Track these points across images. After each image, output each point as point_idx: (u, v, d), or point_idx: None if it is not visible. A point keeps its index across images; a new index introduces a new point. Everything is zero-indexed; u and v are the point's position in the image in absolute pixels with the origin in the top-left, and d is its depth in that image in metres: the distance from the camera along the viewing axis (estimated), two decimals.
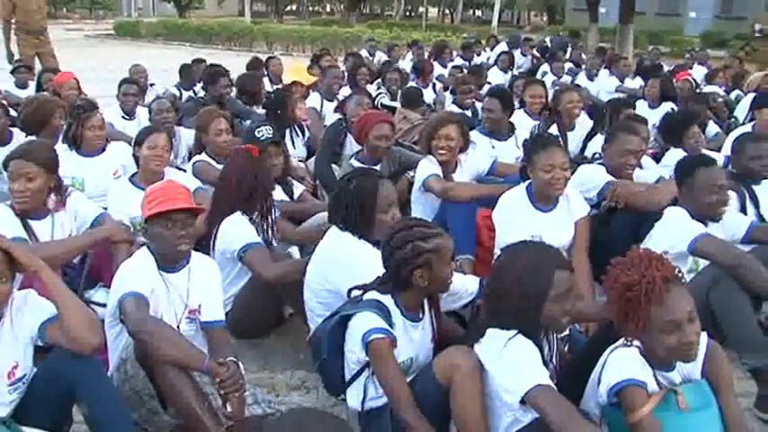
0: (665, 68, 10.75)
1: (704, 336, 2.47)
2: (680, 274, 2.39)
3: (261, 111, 6.38)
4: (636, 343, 2.44)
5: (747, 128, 5.92)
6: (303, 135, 6.06)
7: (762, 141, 4.39)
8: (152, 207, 2.88)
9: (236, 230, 3.52)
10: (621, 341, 2.47)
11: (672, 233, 3.40)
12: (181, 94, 8.20)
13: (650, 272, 2.30)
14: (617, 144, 4.24)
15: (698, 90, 8.60)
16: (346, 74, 8.37)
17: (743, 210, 4.13)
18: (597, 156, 5.02)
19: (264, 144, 4.23)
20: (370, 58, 12.28)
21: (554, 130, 5.72)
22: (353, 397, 2.71)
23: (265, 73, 8.87)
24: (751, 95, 7.28)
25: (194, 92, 8.25)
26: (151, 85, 8.33)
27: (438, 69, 10.47)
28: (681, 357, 2.37)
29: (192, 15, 32.91)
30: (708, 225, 3.47)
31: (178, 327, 2.93)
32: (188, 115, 6.30)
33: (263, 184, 3.63)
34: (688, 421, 2.35)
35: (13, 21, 10.06)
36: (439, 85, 9.47)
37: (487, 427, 2.45)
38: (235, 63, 10.09)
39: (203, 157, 4.76)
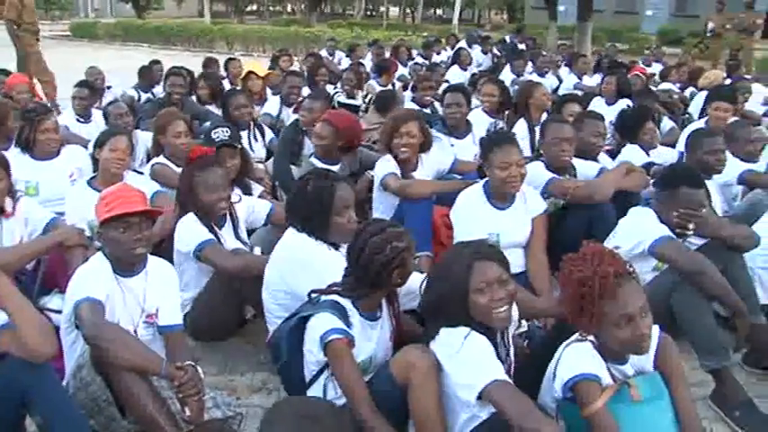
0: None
1: (656, 329, 2.52)
2: (631, 270, 2.44)
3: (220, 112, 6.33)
4: (590, 337, 2.49)
5: (701, 123, 6.05)
6: (263, 136, 6.04)
7: (716, 136, 4.50)
8: (106, 211, 2.84)
9: (189, 231, 3.49)
10: (576, 336, 2.52)
11: (635, 233, 3.43)
12: (139, 96, 8.11)
13: (602, 267, 2.35)
14: (549, 134, 4.28)
15: (651, 86, 8.75)
16: (306, 74, 8.34)
17: None
18: None
19: (219, 145, 4.20)
20: (330, 58, 12.26)
21: (521, 125, 5.82)
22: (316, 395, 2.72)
23: (225, 75, 8.80)
24: (705, 92, 7.43)
25: (153, 94, 8.17)
26: (108, 87, 8.22)
27: (399, 69, 10.50)
28: (634, 350, 2.42)
29: (150, 16, 32.47)
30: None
31: (135, 331, 2.90)
32: (146, 117, 6.23)
33: (199, 189, 3.56)
34: (641, 412, 2.40)
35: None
36: (398, 85, 9.50)
37: (445, 425, 2.48)
38: (195, 64, 9.97)
39: (161, 159, 4.71)
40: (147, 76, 8.48)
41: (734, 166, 4.71)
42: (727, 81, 8.92)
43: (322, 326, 2.57)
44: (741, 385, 3.23)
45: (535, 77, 9.77)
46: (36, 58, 10.30)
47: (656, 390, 2.47)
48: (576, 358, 2.44)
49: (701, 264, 3.25)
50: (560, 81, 10.16)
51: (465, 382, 2.38)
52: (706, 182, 4.28)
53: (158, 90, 8.12)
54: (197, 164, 3.63)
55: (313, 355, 2.64)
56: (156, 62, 9.31)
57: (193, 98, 7.15)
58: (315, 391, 2.70)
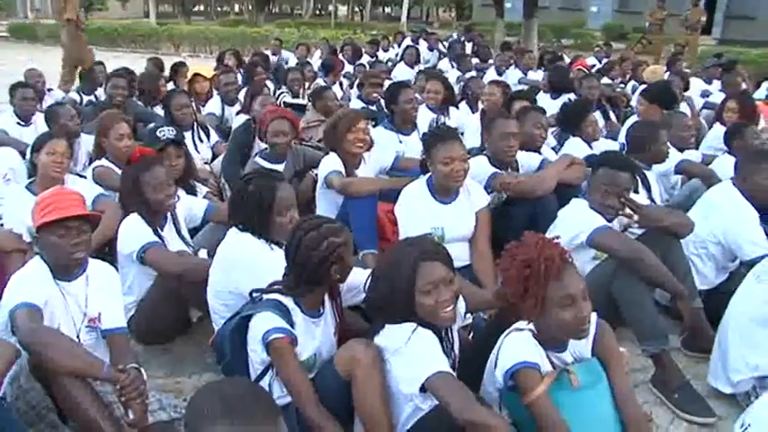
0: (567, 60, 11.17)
1: (594, 316, 2.58)
2: (569, 257, 2.49)
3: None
4: (528, 327, 2.53)
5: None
6: (208, 137, 6.00)
7: (662, 129, 4.64)
8: (43, 215, 2.79)
9: (132, 233, 3.46)
10: (515, 326, 2.56)
11: (573, 224, 3.50)
12: (81, 99, 7.95)
13: (547, 250, 2.41)
14: (495, 130, 4.35)
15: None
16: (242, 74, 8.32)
17: (635, 193, 4.32)
18: None
19: (164, 143, 4.16)
20: (275, 58, 12.20)
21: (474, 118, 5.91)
22: None
23: (168, 76, 8.68)
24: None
25: (95, 96, 8.02)
26: (49, 89, 8.04)
27: (346, 67, 10.53)
28: (575, 334, 2.48)
29: (94, 17, 31.77)
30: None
31: (78, 336, 2.86)
32: (88, 120, 6.11)
33: (145, 189, 3.53)
34: (580, 398, 2.45)
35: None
36: (346, 83, 9.51)
37: (389, 418, 2.49)
38: (140, 66, 9.84)
39: (104, 162, 4.64)
40: (89, 78, 8.32)
41: (671, 156, 4.85)
42: (667, 75, 9.15)
43: (263, 325, 2.56)
44: (679, 368, 3.32)
45: (494, 75, 9.91)
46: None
47: (595, 376, 2.52)
48: (516, 347, 2.48)
49: (639, 251, 3.34)
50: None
51: (409, 375, 2.40)
52: (646, 172, 4.45)
53: (101, 92, 7.97)
54: (140, 164, 3.59)
55: (257, 354, 2.64)
56: (99, 63, 9.15)
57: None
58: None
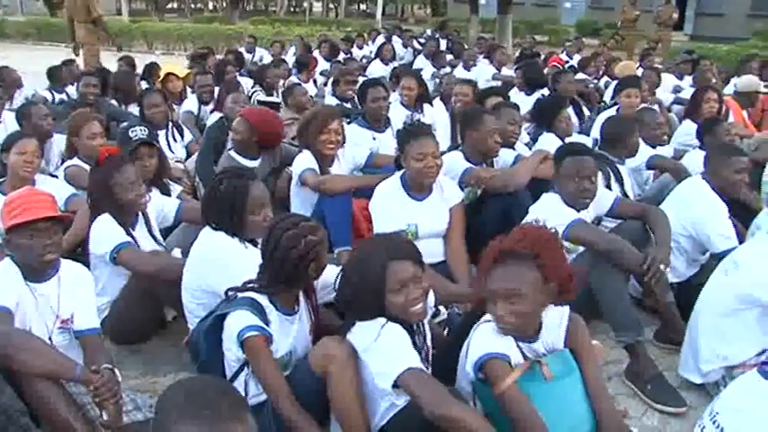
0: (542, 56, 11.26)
1: (566, 308, 2.61)
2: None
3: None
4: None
5: (612, 111, 6.26)
6: (182, 136, 5.97)
7: (635, 123, 4.73)
8: (13, 217, 2.76)
9: (104, 233, 3.42)
10: (484, 317, 2.58)
11: (546, 219, 3.52)
12: (53, 98, 7.86)
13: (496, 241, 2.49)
14: (483, 126, 4.36)
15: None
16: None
17: (608, 188, 4.37)
18: None
19: (136, 144, 4.12)
20: (249, 56, 12.14)
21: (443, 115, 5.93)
22: None
23: (141, 75, 8.61)
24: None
25: (67, 94, 7.93)
26: (18, 87, 7.93)
27: (321, 64, 10.52)
28: (500, 330, 2.51)
29: (64, 15, 31.32)
30: (580, 209, 3.64)
31: (50, 338, 2.83)
32: (60, 119, 6.04)
33: (117, 189, 3.50)
34: (553, 389, 2.47)
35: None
36: (320, 80, 9.50)
37: (364, 414, 2.50)
38: (113, 63, 9.75)
39: (76, 161, 4.60)
40: (58, 76, 8.22)
41: (643, 152, 4.91)
42: (639, 70, 9.24)
43: (238, 324, 2.56)
44: (652, 360, 3.38)
45: (462, 72, 9.93)
46: None
47: (567, 367, 2.54)
48: (485, 338, 2.49)
49: (616, 241, 3.39)
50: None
51: (381, 370, 2.41)
52: (619, 167, 4.50)
53: (72, 91, 7.89)
54: (111, 164, 3.55)
55: (232, 353, 2.64)
56: (70, 61, 9.04)
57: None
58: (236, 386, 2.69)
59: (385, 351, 2.42)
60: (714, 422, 2.23)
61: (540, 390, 2.44)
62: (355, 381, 2.48)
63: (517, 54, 11.87)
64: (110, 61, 10.66)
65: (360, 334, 2.51)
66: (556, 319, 2.61)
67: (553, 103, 5.61)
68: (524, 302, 2.43)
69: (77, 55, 10.38)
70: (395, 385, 2.37)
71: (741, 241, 3.69)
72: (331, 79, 8.20)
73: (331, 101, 7.19)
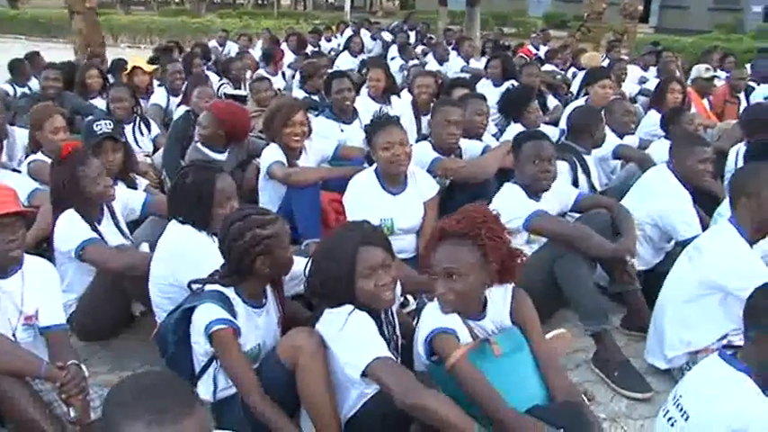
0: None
1: (510, 285, 2.65)
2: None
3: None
4: None
5: (581, 102, 6.31)
6: (149, 130, 5.91)
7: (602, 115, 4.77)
8: None
9: (69, 229, 3.38)
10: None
11: (506, 209, 3.52)
12: (15, 91, 7.71)
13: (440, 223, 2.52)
14: (438, 116, 4.40)
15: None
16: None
17: (575, 178, 4.43)
18: None
19: (101, 138, 4.07)
20: (221, 49, 12.03)
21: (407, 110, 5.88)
22: (204, 389, 2.69)
23: (108, 70, 8.49)
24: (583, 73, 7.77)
25: (29, 88, 7.79)
26: None
27: (289, 57, 10.46)
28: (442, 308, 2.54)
29: (26, 6, 30.67)
30: (540, 198, 3.68)
31: (14, 335, 2.78)
32: (21, 113, 5.95)
33: (84, 182, 3.45)
34: (503, 366, 2.48)
35: None
36: (289, 73, 9.45)
37: (334, 405, 2.50)
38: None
39: (39, 156, 4.52)
40: (19, 70, 8.05)
41: (610, 141, 4.97)
42: (605, 62, 9.35)
43: (206, 317, 2.55)
44: (619, 347, 3.43)
45: (434, 65, 9.95)
46: None
47: (516, 343, 2.57)
48: (432, 316, 2.52)
49: (573, 229, 3.45)
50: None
51: (350, 360, 2.41)
52: (585, 157, 4.55)
53: (35, 84, 7.76)
54: (75, 157, 3.50)
55: (200, 346, 2.62)
56: (35, 54, 8.88)
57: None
58: (205, 382, 2.68)
59: (352, 340, 2.43)
60: (677, 405, 2.27)
61: (491, 367, 2.45)
62: (324, 372, 2.47)
63: (488, 46, 11.87)
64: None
65: (327, 322, 2.51)
66: (500, 297, 2.64)
67: (522, 95, 5.64)
68: (463, 281, 2.46)
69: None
70: (364, 374, 2.37)
71: (705, 229, 3.75)
72: (298, 72, 8.14)
73: (299, 94, 7.15)
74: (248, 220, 2.62)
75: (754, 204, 3.03)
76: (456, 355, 2.37)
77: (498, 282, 2.60)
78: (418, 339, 2.53)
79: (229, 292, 2.64)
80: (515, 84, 7.18)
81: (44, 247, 3.62)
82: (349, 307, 2.48)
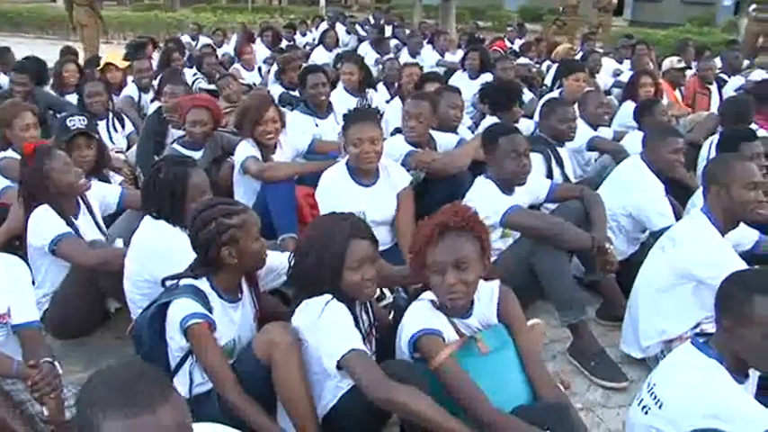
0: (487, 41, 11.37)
1: (496, 282, 2.65)
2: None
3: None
4: (428, 297, 2.57)
5: (555, 94, 6.35)
6: (123, 127, 5.85)
7: (568, 105, 4.76)
8: None
9: (43, 224, 3.34)
10: (421, 296, 2.60)
11: (481, 206, 3.52)
12: None
13: (435, 219, 2.50)
14: (402, 111, 4.41)
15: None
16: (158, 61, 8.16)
17: (549, 170, 4.45)
18: None
19: (74, 134, 4.03)
20: (193, 44, 11.93)
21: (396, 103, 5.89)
22: (180, 385, 2.67)
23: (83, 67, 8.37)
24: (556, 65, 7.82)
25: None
26: None
27: (264, 52, 10.41)
28: (443, 301, 2.52)
29: None
30: (513, 192, 3.69)
31: None
32: None
33: (53, 175, 3.41)
34: (489, 363, 2.49)
35: None
36: (264, 68, 9.39)
37: (310, 399, 2.50)
38: (49, 53, 9.47)
39: (10, 153, 4.45)
40: None
41: (584, 133, 4.99)
42: (580, 54, 9.40)
43: (181, 311, 2.53)
44: (595, 337, 3.45)
45: (407, 58, 9.93)
46: None
47: (502, 340, 2.57)
48: (417, 316, 2.51)
49: (549, 223, 3.46)
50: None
51: (326, 350, 2.41)
52: (558, 149, 4.56)
53: (5, 80, 7.63)
54: (40, 153, 3.46)
55: (175, 342, 2.61)
56: (5, 50, 8.73)
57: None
58: (180, 378, 2.66)
59: (329, 330, 2.42)
60: (651, 394, 2.29)
61: (476, 364, 2.46)
62: (300, 366, 2.46)
63: (464, 39, 11.89)
64: (45, 50, 10.38)
65: (304, 311, 2.51)
66: (487, 293, 2.64)
67: (512, 90, 5.55)
68: (472, 271, 2.46)
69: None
70: (338, 366, 2.37)
71: (679, 219, 3.79)
72: (274, 67, 8.10)
73: (276, 89, 7.11)
74: (215, 209, 2.61)
75: (724, 194, 3.07)
76: (441, 357, 2.37)
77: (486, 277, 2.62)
78: (401, 339, 2.52)
79: (204, 287, 2.63)
80: (491, 77, 7.20)
81: (16, 245, 3.57)
82: (327, 296, 2.48)
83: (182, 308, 2.54)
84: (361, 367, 2.33)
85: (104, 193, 3.88)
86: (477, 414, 2.32)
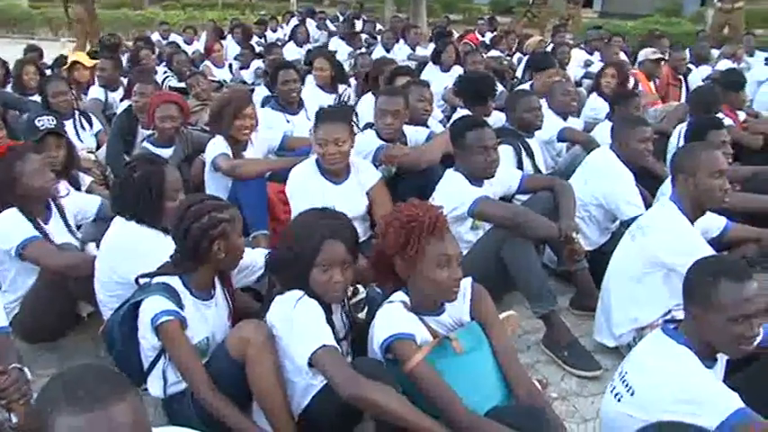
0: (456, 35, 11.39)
1: (469, 280, 2.65)
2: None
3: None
4: (400, 298, 2.57)
5: (526, 86, 6.37)
6: (91, 126, 5.77)
7: (532, 95, 4.79)
8: None
9: (9, 227, 3.28)
10: (391, 297, 2.59)
11: (450, 198, 3.56)
12: None
13: (432, 211, 2.49)
14: (375, 107, 4.39)
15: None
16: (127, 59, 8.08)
17: (520, 162, 4.46)
18: None
19: (42, 134, 3.98)
20: (163, 42, 11.81)
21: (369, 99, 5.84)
22: (154, 385, 2.67)
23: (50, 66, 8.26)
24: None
25: None
26: None
27: (235, 48, 10.35)
28: (446, 294, 2.51)
29: None
30: (483, 184, 3.70)
31: None
32: None
33: (24, 179, 3.35)
34: (465, 363, 2.49)
35: None
36: (236, 65, 9.33)
37: (285, 396, 2.49)
38: (14, 52, 9.32)
39: None
40: None
41: (554, 124, 5.02)
42: (551, 46, 9.45)
43: (152, 309, 2.51)
44: (568, 327, 3.48)
45: (381, 52, 9.92)
46: None
47: (477, 339, 2.57)
48: (389, 319, 2.49)
49: (517, 213, 3.48)
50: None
51: (298, 347, 2.40)
52: (528, 141, 4.58)
53: None
54: (12, 155, 3.40)
55: (147, 341, 2.59)
56: None
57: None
58: (154, 377, 2.65)
59: (301, 326, 2.42)
60: (623, 381, 2.32)
61: (451, 364, 2.46)
62: (274, 363, 2.46)
63: (431, 34, 11.91)
64: (9, 49, 10.21)
65: (277, 307, 2.51)
66: (459, 291, 2.61)
67: (487, 86, 5.51)
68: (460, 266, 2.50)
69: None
70: (310, 364, 2.36)
71: (649, 208, 3.82)
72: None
73: (261, 90, 7.06)
74: (205, 203, 2.62)
75: (691, 183, 3.11)
76: (414, 361, 2.37)
77: None
78: (373, 342, 2.51)
79: (177, 284, 2.61)
80: (462, 70, 7.21)
81: None
82: (299, 293, 2.48)
83: (153, 306, 2.52)
84: (331, 364, 2.32)
85: (84, 203, 3.83)
86: (453, 418, 2.31)
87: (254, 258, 2.91)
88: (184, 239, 2.59)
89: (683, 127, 4.96)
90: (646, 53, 7.72)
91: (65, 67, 7.41)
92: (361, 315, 2.83)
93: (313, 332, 2.40)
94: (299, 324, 2.42)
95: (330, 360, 2.33)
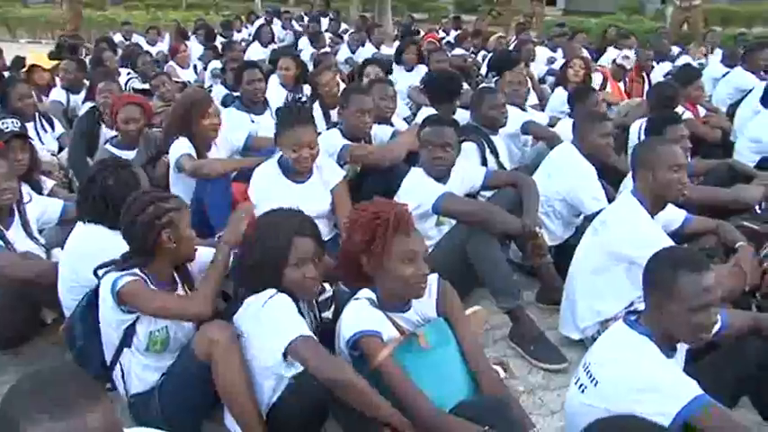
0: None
1: (435, 276, 2.67)
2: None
3: None
4: (366, 295, 2.59)
5: (491, 84, 6.41)
6: (53, 128, 5.69)
7: (496, 92, 4.82)
8: None
9: None
10: (358, 294, 2.61)
11: (415, 195, 3.58)
12: None
13: (399, 208, 2.52)
14: (350, 105, 4.37)
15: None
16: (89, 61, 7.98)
17: (484, 159, 4.50)
18: None
19: (8, 137, 3.93)
20: (126, 43, 11.68)
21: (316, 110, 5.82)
22: (117, 381, 2.66)
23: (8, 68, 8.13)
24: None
25: None
26: None
27: (199, 49, 10.28)
28: (412, 290, 2.54)
29: None
30: (447, 180, 3.73)
31: None
32: None
33: None
34: (431, 358, 2.52)
35: None
36: (200, 65, 9.27)
37: (252, 395, 2.49)
38: None
39: None
40: None
41: (516, 117, 5.04)
42: (514, 43, 9.55)
43: (110, 279, 2.53)
44: (534, 321, 3.52)
45: (346, 52, 9.92)
46: None
47: (443, 335, 2.59)
48: (355, 316, 2.52)
49: (481, 208, 3.53)
50: None
51: (269, 344, 2.41)
52: (493, 137, 4.62)
53: None
54: None
55: (110, 324, 2.60)
56: None
57: None
58: (117, 373, 2.67)
59: (274, 320, 2.43)
60: (587, 372, 2.35)
61: (418, 360, 2.48)
62: (240, 363, 2.46)
63: (400, 31, 11.96)
64: None
65: (248, 307, 2.51)
66: (426, 287, 2.62)
67: (453, 84, 5.53)
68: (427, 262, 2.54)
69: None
70: (285, 355, 2.37)
71: (611, 202, 3.88)
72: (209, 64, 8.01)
73: (218, 88, 7.03)
74: (149, 195, 2.64)
75: (651, 177, 3.16)
76: (380, 358, 2.38)
77: None
78: (340, 338, 2.53)
79: (139, 274, 2.61)
80: (426, 69, 7.24)
81: None
82: (271, 291, 2.49)
83: (111, 277, 2.53)
84: (309, 351, 2.35)
85: (46, 207, 3.77)
86: (418, 414, 2.34)
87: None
88: (133, 232, 2.58)
89: (642, 122, 5.04)
90: (616, 55, 7.82)
91: (24, 70, 7.31)
92: (328, 314, 2.83)
93: (288, 324, 2.42)
94: (271, 319, 2.43)
95: (309, 347, 2.36)
